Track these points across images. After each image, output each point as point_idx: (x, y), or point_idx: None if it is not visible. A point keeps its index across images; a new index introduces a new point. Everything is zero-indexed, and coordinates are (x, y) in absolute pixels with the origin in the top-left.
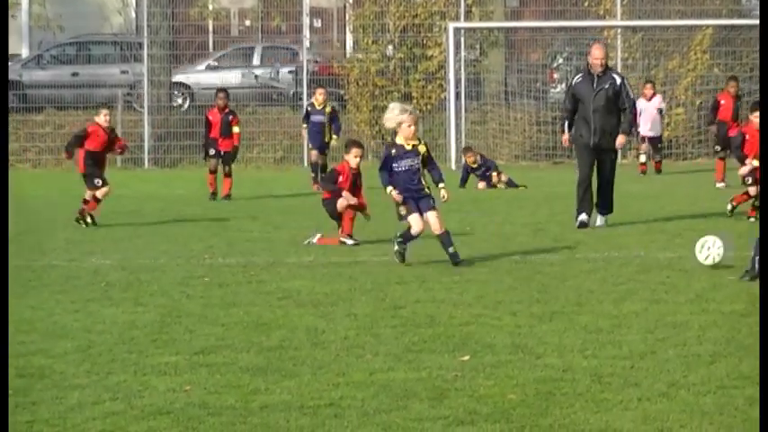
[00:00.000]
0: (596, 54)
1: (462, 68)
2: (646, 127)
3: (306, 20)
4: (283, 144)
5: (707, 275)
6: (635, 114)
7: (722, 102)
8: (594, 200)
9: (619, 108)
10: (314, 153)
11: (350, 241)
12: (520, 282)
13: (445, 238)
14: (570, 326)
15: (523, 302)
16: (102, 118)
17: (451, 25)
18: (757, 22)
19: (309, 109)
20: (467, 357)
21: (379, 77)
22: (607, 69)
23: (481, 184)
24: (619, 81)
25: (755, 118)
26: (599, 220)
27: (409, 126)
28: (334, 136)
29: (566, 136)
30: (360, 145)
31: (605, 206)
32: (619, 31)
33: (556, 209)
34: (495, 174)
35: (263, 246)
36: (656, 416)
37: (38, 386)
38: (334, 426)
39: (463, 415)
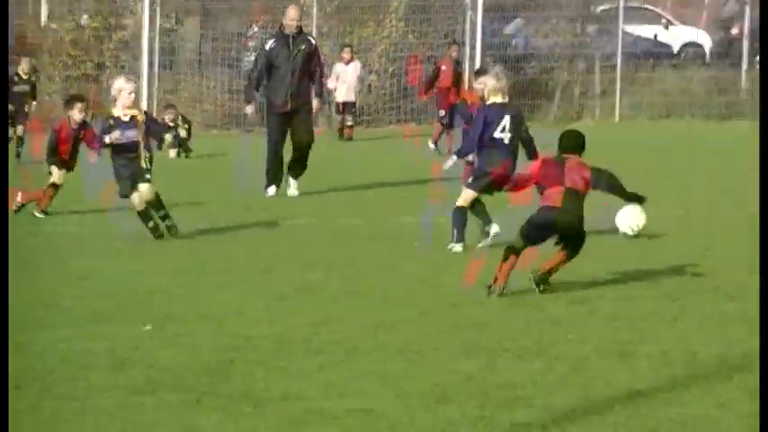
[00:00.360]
0: (291, 14)
1: (157, 37)
2: (342, 92)
3: None
4: None
5: (392, 243)
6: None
7: (443, 68)
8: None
9: (312, 71)
10: (20, 127)
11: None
12: (204, 250)
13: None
14: (254, 293)
15: (207, 271)
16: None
17: None
18: None
19: (16, 78)
20: (149, 327)
21: (72, 47)
22: (301, 32)
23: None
24: (314, 43)
25: (479, 84)
26: (292, 185)
27: (129, 94)
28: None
29: (251, 108)
30: (83, 98)
31: (299, 171)
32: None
33: (247, 177)
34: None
35: None
36: (337, 381)
37: None
38: (14, 396)
39: (143, 384)
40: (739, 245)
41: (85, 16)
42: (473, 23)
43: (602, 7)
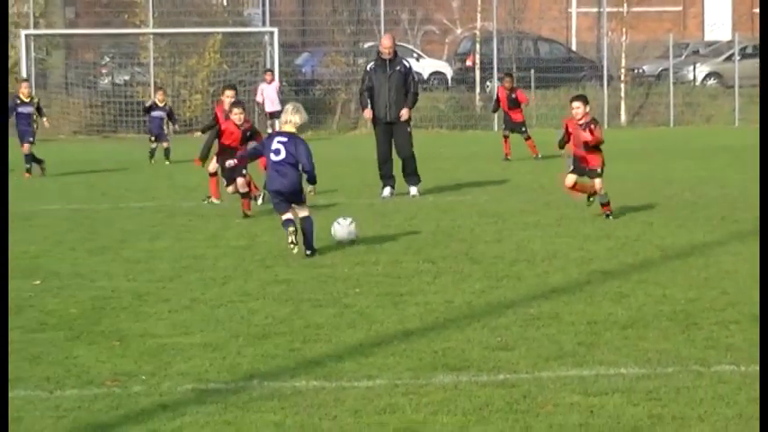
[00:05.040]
0: (385, 43)
1: (33, 65)
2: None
3: None
4: None
5: (218, 219)
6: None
7: (500, 94)
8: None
9: (407, 88)
10: (26, 146)
11: None
12: (77, 225)
13: None
14: (116, 258)
15: (79, 241)
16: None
17: (23, 32)
18: (254, 29)
19: (18, 101)
20: (38, 282)
21: None
22: (396, 55)
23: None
24: (408, 65)
25: (575, 109)
26: (412, 190)
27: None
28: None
29: (368, 111)
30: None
31: (412, 178)
32: (151, 37)
33: (109, 172)
34: None
35: None
36: (182, 323)
37: None
38: None
39: (36, 325)
40: (477, 224)
41: None
42: (272, 57)
43: (368, 44)
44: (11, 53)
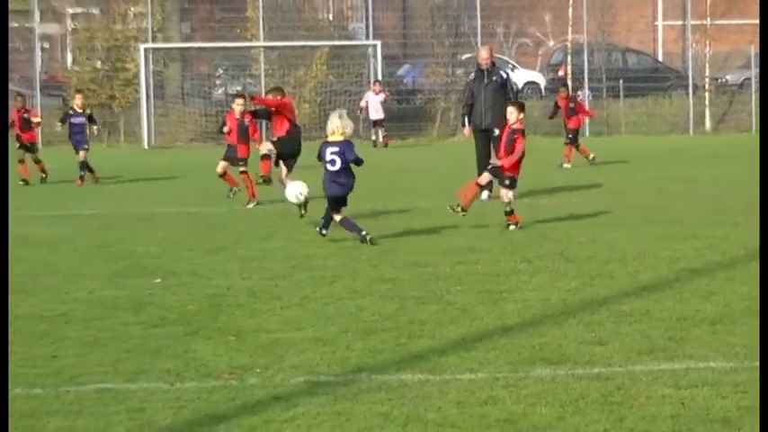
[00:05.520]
0: (483, 55)
1: (151, 77)
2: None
3: (37, 43)
4: None
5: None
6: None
7: (560, 102)
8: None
9: (505, 98)
10: (82, 153)
11: None
12: (194, 227)
13: None
14: (231, 257)
15: (197, 242)
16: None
17: (142, 46)
18: (358, 42)
19: (71, 112)
20: (158, 280)
21: (91, 83)
22: (494, 66)
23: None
24: (505, 76)
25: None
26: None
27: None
28: (95, 128)
29: (466, 129)
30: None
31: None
32: (262, 50)
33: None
34: None
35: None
36: (293, 319)
37: None
38: (64, 329)
39: (156, 321)
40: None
41: (99, 61)
42: (375, 68)
43: (466, 55)
44: (131, 66)
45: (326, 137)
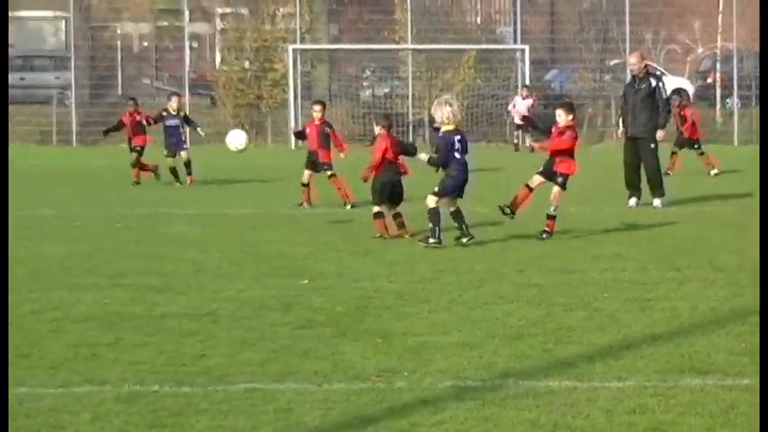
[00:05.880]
0: (631, 60)
1: (299, 77)
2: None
3: (186, 42)
4: None
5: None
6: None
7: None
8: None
9: (653, 105)
10: (184, 154)
11: None
12: (338, 230)
13: None
14: (378, 260)
15: (343, 243)
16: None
17: (290, 47)
18: (506, 46)
19: (165, 114)
20: (305, 281)
21: (239, 83)
22: (647, 73)
23: None
24: (654, 83)
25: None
26: (656, 202)
27: None
28: (199, 129)
29: (620, 129)
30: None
31: (654, 191)
32: (410, 52)
33: None
34: None
35: (158, 200)
36: (441, 323)
37: None
38: (212, 328)
39: (304, 321)
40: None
41: (247, 62)
42: (523, 73)
43: (614, 61)
44: (279, 66)
45: (439, 125)
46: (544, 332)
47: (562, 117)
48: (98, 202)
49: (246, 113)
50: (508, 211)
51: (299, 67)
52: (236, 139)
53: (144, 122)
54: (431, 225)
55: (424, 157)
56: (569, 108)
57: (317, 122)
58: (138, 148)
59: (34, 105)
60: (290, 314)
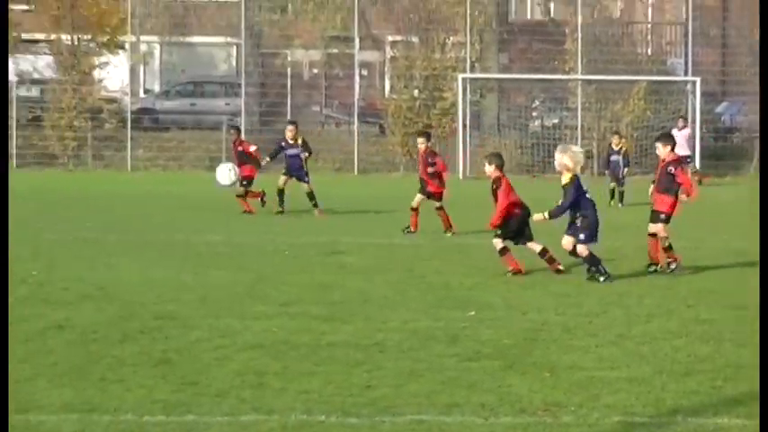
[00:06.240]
0: None
1: (468, 107)
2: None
3: (357, 70)
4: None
5: (643, 260)
6: None
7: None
8: None
9: None
10: (305, 186)
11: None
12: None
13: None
14: (545, 292)
15: (512, 275)
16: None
17: (460, 76)
18: (677, 78)
19: (284, 144)
20: (473, 312)
21: (408, 112)
22: None
23: None
24: None
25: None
26: None
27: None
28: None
29: None
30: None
31: None
32: (579, 83)
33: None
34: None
35: (321, 229)
36: (608, 358)
37: (169, 325)
38: (379, 358)
39: (471, 353)
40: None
41: (416, 90)
42: (693, 105)
43: None
44: (448, 95)
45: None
46: (713, 368)
47: (660, 150)
48: (263, 228)
49: (415, 142)
50: (653, 269)
51: (469, 96)
52: (221, 176)
53: (246, 154)
54: (593, 268)
55: (538, 217)
56: (668, 139)
57: (421, 153)
58: (245, 182)
59: (204, 131)
60: (458, 345)
